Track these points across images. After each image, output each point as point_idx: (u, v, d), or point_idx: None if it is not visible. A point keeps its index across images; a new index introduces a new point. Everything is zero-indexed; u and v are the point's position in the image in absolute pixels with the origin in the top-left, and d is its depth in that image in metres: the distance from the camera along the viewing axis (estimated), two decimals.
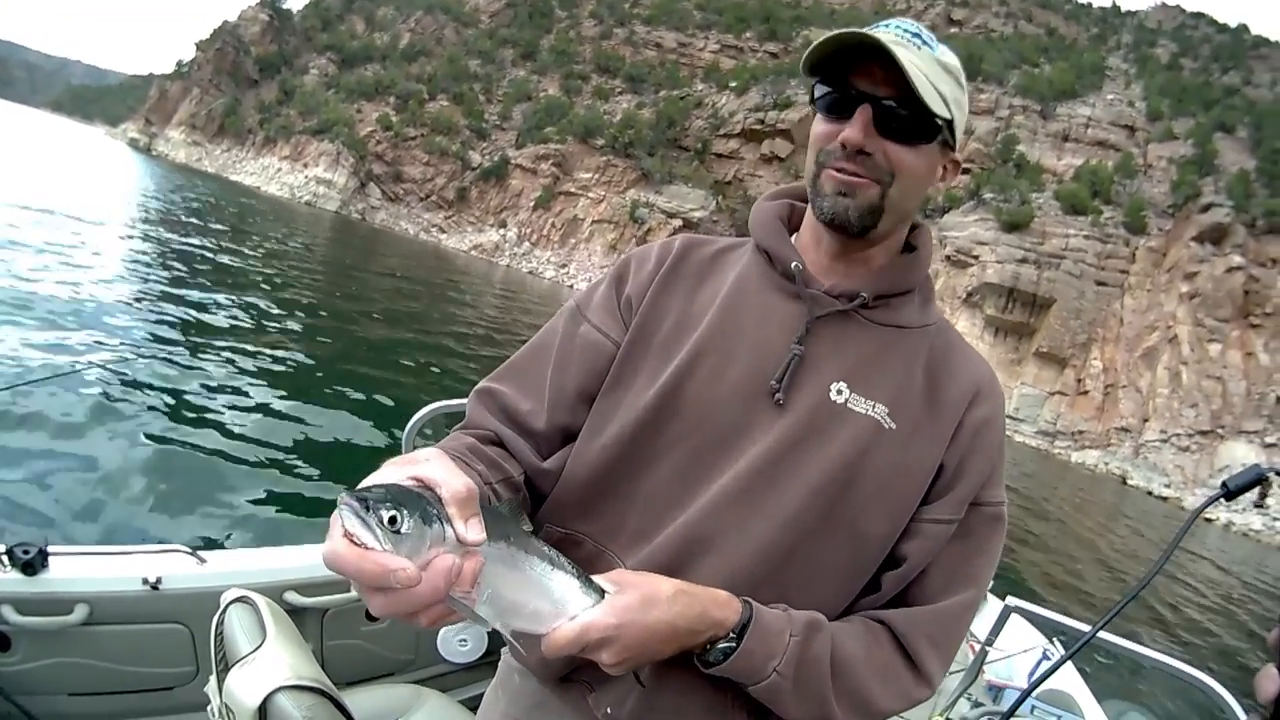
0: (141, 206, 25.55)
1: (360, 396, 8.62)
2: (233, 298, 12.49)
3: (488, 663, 2.45)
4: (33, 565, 1.76)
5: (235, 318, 11.04)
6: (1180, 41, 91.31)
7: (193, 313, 10.57)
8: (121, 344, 8.05)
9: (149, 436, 5.78)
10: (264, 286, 15.02)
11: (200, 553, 2.04)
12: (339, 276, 22.82)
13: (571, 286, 59.92)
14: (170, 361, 7.83)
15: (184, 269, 14.51)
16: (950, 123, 0.95)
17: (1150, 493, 38.60)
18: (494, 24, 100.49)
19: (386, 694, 2.01)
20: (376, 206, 72.08)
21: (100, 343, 7.90)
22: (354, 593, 0.64)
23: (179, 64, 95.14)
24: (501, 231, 72.33)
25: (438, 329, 16.80)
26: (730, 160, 74.31)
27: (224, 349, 8.95)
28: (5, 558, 1.76)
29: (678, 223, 65.52)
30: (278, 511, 5.22)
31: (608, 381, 1.04)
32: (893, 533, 0.96)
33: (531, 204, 72.60)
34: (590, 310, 1.10)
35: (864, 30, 0.90)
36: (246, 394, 7.52)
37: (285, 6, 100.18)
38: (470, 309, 23.39)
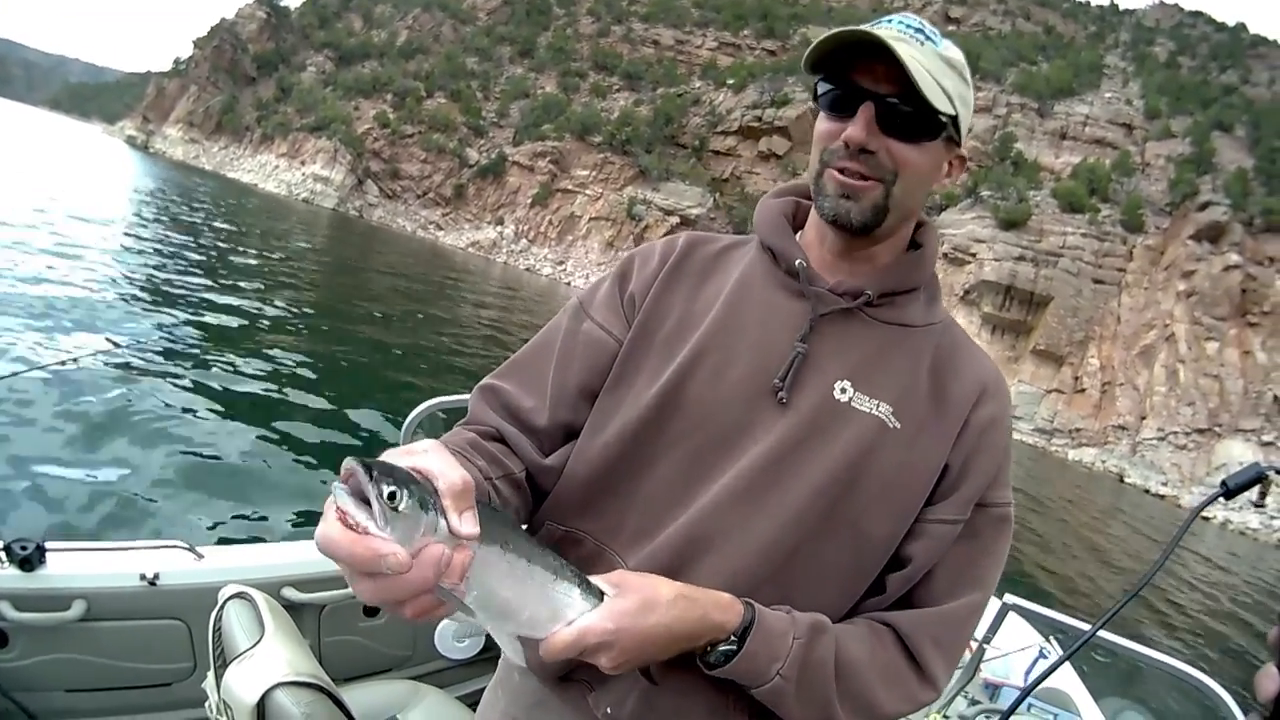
0: (138, 204, 25.48)
1: (357, 393, 8.62)
2: (229, 294, 12.47)
3: (485, 659, 2.45)
4: (30, 561, 1.75)
5: (232, 314, 11.02)
6: (1178, 40, 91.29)
7: (189, 309, 10.56)
8: (118, 340, 8.02)
9: (147, 432, 5.77)
10: (261, 283, 15.01)
11: (198, 548, 2.03)
12: (336, 273, 22.81)
13: (569, 284, 59.88)
14: (167, 357, 7.83)
15: (181, 266, 14.47)
16: (955, 118, 0.94)
17: (1147, 491, 38.62)
18: (491, 21, 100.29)
19: (384, 690, 2.02)
20: (374, 203, 71.95)
21: (96, 338, 7.87)
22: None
23: (176, 61, 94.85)
24: (499, 229, 72.26)
25: (435, 326, 16.78)
26: (728, 158, 74.26)
27: (221, 344, 8.94)
28: (3, 553, 1.76)
29: (675, 220, 65.48)
30: (275, 507, 5.21)
31: (610, 379, 1.04)
32: (896, 533, 0.95)
33: (529, 201, 72.51)
34: (593, 307, 1.09)
35: (865, 27, 0.89)
36: (244, 389, 7.51)
37: (283, 4, 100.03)
38: (468, 306, 23.37)
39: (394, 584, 0.62)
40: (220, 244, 20.06)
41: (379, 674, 2.28)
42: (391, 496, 0.61)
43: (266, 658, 1.23)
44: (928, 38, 0.93)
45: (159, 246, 16.39)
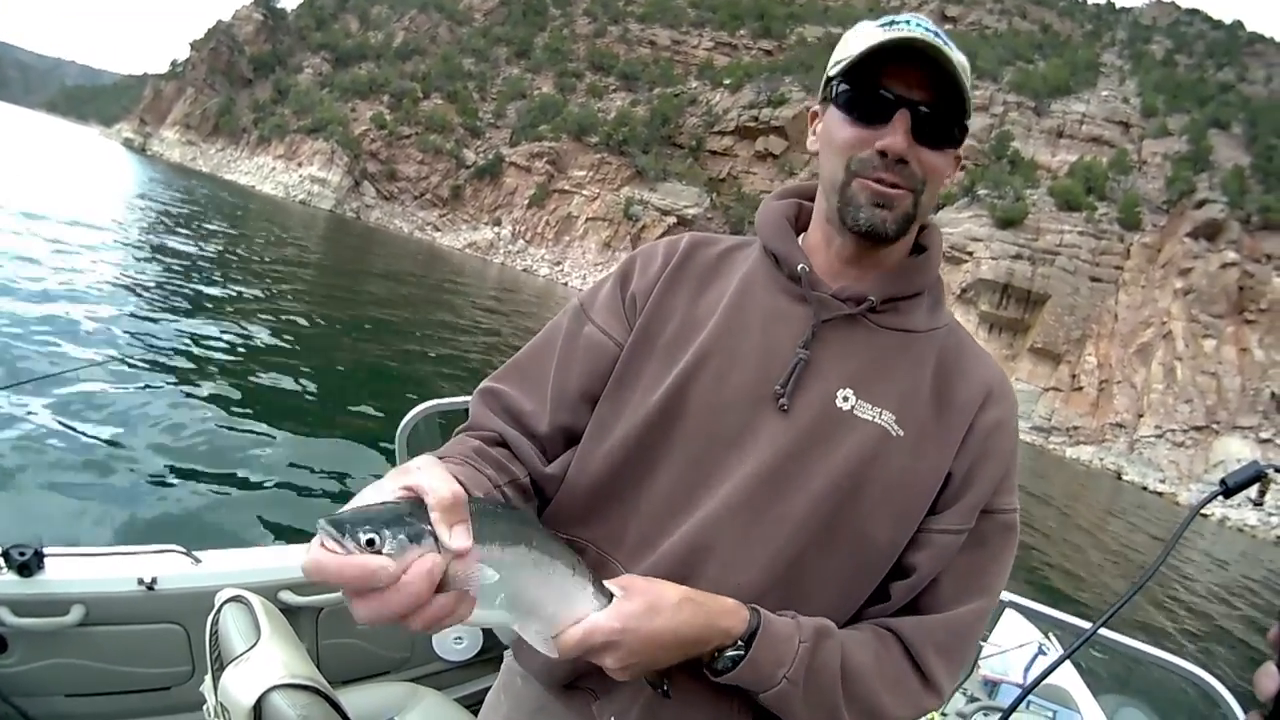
0: (136, 207, 25.43)
1: (354, 394, 8.61)
2: (225, 298, 12.47)
3: (483, 660, 2.45)
4: (29, 566, 1.75)
5: (228, 318, 11.00)
6: (1175, 38, 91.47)
7: (186, 315, 10.54)
8: (116, 345, 8.02)
9: (143, 437, 5.77)
10: (258, 286, 15.00)
11: (195, 552, 2.03)
12: (333, 275, 22.79)
13: (566, 284, 59.88)
14: (164, 362, 7.82)
15: (178, 269, 14.46)
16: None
17: (1145, 488, 38.66)
18: (488, 22, 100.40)
19: (382, 692, 2.01)
20: (371, 205, 71.98)
21: (94, 344, 7.86)
22: None
23: (173, 64, 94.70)
24: (496, 229, 72.29)
25: (432, 327, 16.77)
26: (724, 157, 74.39)
27: (218, 348, 8.93)
28: (1, 559, 1.75)
29: (672, 220, 65.57)
30: (272, 511, 5.20)
31: (610, 383, 1.02)
32: (899, 541, 0.94)
33: (526, 202, 72.57)
34: (594, 310, 1.08)
35: (910, 34, 0.87)
36: (240, 393, 7.50)
37: (279, 6, 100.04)
38: (465, 307, 23.35)
39: (388, 600, 0.62)
40: (217, 247, 20.04)
41: (377, 676, 2.28)
42: (370, 543, 0.61)
43: (263, 661, 1.23)
44: (945, 42, 0.89)
45: (156, 251, 16.37)
